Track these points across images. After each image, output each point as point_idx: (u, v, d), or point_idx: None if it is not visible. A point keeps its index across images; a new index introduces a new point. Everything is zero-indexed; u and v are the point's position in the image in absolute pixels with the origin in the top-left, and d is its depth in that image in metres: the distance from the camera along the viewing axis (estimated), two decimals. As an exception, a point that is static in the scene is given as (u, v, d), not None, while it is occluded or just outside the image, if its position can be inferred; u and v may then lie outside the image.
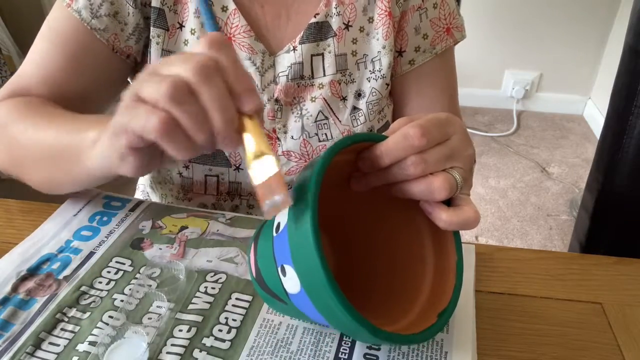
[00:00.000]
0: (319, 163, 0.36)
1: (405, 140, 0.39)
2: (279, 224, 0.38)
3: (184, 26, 0.63)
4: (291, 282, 0.37)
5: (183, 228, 0.58)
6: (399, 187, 0.41)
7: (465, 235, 1.87)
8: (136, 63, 0.67)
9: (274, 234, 0.39)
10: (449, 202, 0.41)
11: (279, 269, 0.38)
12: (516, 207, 2.02)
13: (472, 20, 2.34)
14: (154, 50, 0.64)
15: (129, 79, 0.72)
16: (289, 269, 0.37)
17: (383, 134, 0.41)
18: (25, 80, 0.64)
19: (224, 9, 0.63)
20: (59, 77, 0.63)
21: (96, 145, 0.46)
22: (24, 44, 2.64)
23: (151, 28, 0.63)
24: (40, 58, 0.63)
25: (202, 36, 0.36)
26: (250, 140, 0.36)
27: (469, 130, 2.47)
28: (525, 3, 2.44)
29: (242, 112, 0.37)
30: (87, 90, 0.65)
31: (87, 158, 0.47)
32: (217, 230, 0.57)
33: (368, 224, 0.47)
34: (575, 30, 2.48)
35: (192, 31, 0.63)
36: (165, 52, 0.64)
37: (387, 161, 0.39)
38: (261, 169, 0.35)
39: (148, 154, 0.41)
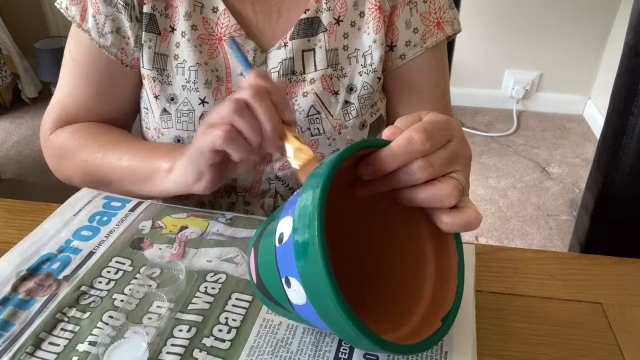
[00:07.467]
0: (322, 179, 0.35)
1: (410, 145, 0.38)
2: (282, 234, 0.38)
3: (176, 29, 0.65)
4: (296, 294, 0.37)
5: (183, 228, 0.58)
6: (405, 194, 0.40)
7: (465, 236, 1.87)
8: None
9: (277, 244, 0.38)
10: None
11: (283, 280, 0.38)
12: (516, 207, 2.02)
13: (472, 20, 2.34)
14: (146, 54, 0.65)
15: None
16: (295, 282, 0.36)
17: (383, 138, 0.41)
18: (67, 109, 0.70)
19: (214, 10, 0.64)
20: (92, 104, 0.69)
21: (171, 174, 0.57)
22: (24, 44, 2.64)
23: (143, 33, 0.65)
24: (71, 90, 0.69)
25: (250, 72, 0.50)
26: (291, 140, 0.48)
27: (469, 130, 2.48)
28: (525, 3, 2.44)
29: (283, 121, 0.49)
30: (120, 108, 0.71)
31: (161, 183, 0.59)
32: (217, 230, 0.57)
33: (368, 227, 0.47)
34: (575, 30, 2.48)
35: (183, 34, 0.64)
36: (158, 55, 0.65)
37: (393, 166, 0.39)
38: (300, 157, 0.47)
39: (219, 171, 0.52)
